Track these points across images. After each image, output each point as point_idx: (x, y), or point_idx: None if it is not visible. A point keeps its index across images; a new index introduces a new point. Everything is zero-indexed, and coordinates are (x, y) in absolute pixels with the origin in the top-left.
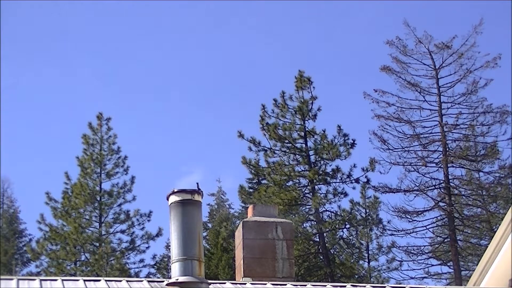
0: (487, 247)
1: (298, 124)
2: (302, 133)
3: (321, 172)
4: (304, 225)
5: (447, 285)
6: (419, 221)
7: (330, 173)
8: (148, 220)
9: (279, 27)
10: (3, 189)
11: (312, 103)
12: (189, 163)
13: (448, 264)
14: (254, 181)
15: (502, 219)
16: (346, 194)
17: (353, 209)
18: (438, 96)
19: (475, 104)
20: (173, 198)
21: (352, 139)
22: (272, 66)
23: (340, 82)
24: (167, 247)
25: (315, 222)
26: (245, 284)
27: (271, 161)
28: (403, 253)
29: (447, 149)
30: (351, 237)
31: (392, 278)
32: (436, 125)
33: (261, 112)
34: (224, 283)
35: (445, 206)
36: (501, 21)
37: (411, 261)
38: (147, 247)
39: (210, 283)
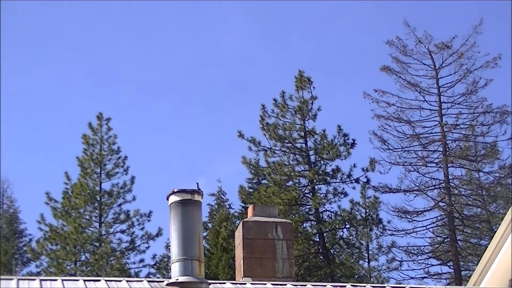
0: (487, 247)
1: (298, 124)
2: (302, 133)
3: (321, 172)
4: (304, 225)
5: (447, 285)
6: (419, 221)
7: (330, 173)
8: (148, 220)
9: (279, 27)
10: (3, 189)
11: (312, 103)
12: (189, 163)
13: (448, 264)
14: (254, 181)
15: (502, 219)
16: (346, 194)
17: (353, 209)
18: (438, 96)
19: (475, 104)
20: (173, 198)
21: (352, 139)
22: (272, 66)
23: (340, 82)
24: (167, 247)
25: (315, 222)
26: (245, 284)
27: (271, 161)
28: (403, 253)
29: (447, 149)
30: (351, 237)
31: (392, 278)
32: (436, 125)
33: (261, 112)
34: (224, 283)
35: (445, 206)
36: (501, 21)
37: (411, 261)
38: (147, 247)
39: (210, 283)
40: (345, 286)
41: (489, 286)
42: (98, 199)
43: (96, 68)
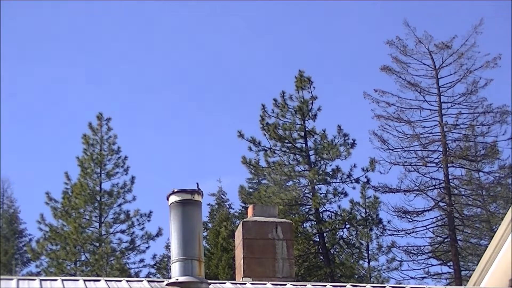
0: (487, 247)
1: (298, 124)
2: (302, 133)
3: (321, 172)
4: (304, 225)
5: (447, 285)
6: (419, 221)
7: (330, 173)
8: (148, 220)
9: (279, 27)
10: (3, 189)
11: (312, 103)
12: (189, 163)
13: (448, 264)
14: (254, 181)
15: (502, 219)
16: (346, 194)
17: (353, 209)
18: (438, 96)
19: (475, 104)
20: (173, 198)
21: (352, 139)
22: (272, 66)
23: (340, 82)
24: (167, 247)
25: (315, 222)
26: (245, 284)
27: (271, 161)
28: (403, 253)
29: (447, 149)
30: (351, 237)
31: (392, 278)
32: (436, 125)
33: (261, 112)
34: (224, 283)
35: (445, 206)
36: (501, 21)
37: (411, 261)
38: (147, 247)
39: (210, 283)
40: (345, 286)
41: (489, 286)
42: (98, 199)
43: (96, 68)
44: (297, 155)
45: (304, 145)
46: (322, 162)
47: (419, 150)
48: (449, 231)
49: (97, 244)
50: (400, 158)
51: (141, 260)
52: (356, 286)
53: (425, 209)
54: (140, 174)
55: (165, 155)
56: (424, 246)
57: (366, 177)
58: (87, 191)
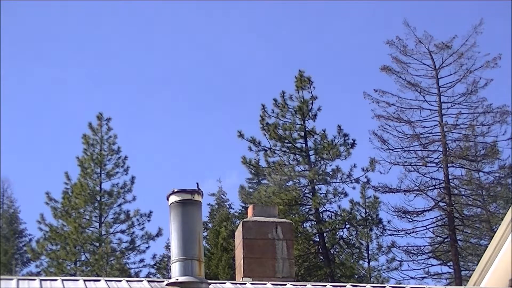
0: (487, 247)
1: (298, 124)
2: (302, 133)
3: (321, 172)
4: (304, 225)
5: (447, 285)
6: (419, 221)
7: (330, 173)
8: (148, 220)
9: (279, 27)
10: (3, 189)
11: (312, 103)
12: (189, 163)
13: (448, 264)
14: (254, 181)
15: (502, 219)
16: (346, 194)
17: (353, 209)
18: (438, 96)
19: (475, 104)
20: (173, 198)
21: (352, 139)
22: (272, 66)
23: (340, 82)
24: (167, 247)
25: (315, 222)
26: (245, 284)
27: (271, 161)
28: (403, 253)
29: (447, 149)
30: (351, 237)
31: (392, 278)
32: (436, 125)
33: (261, 112)
34: (224, 283)
35: (445, 206)
36: (501, 21)
37: (411, 261)
38: (147, 247)
39: (210, 283)
40: (345, 286)
41: (489, 286)
42: (98, 199)
43: (96, 68)
44: (297, 155)
45: (304, 145)
46: (322, 162)
47: (419, 150)
48: (449, 231)
49: (97, 244)
50: (400, 158)
51: (141, 260)
52: (356, 286)
53: (425, 209)
54: (140, 174)
55: (165, 155)
56: (424, 246)
57: (366, 177)
58: (87, 191)
